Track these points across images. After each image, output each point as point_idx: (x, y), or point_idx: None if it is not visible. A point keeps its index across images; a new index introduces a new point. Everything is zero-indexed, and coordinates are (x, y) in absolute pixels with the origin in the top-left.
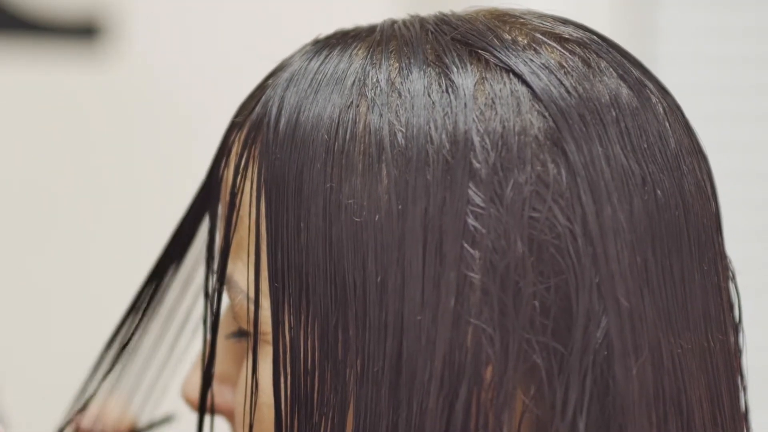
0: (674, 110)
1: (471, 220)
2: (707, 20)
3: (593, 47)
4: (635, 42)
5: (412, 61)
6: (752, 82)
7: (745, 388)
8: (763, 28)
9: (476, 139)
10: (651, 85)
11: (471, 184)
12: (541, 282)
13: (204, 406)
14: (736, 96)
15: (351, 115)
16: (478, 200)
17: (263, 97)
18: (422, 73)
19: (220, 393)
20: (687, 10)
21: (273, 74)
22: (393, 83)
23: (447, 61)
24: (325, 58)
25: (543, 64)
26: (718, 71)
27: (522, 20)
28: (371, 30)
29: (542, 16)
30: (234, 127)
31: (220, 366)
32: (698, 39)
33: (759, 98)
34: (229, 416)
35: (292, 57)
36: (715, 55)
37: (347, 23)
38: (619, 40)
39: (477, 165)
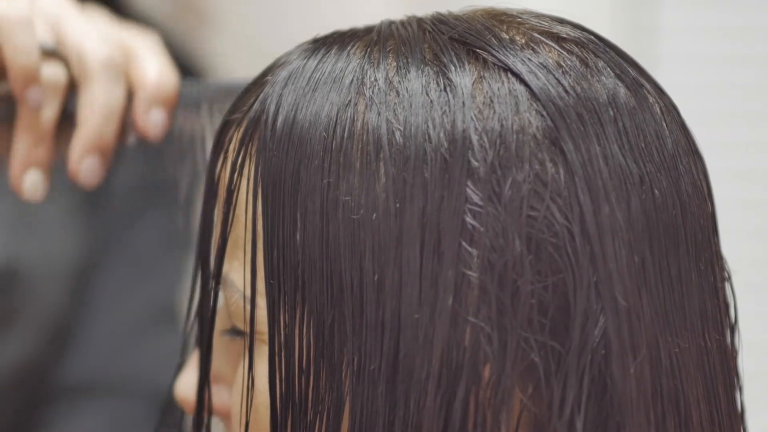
0: (671, 110)
1: (469, 219)
2: (707, 20)
3: (591, 47)
4: (635, 42)
5: (410, 60)
6: (752, 82)
7: (741, 388)
8: (763, 28)
9: (474, 138)
10: (648, 85)
11: (469, 183)
12: (539, 281)
13: (202, 405)
14: (736, 96)
15: (349, 114)
16: (476, 198)
17: (261, 95)
18: (420, 72)
19: (214, 392)
20: (687, 10)
21: (269, 71)
22: (391, 82)
23: (445, 60)
24: (323, 56)
25: (541, 64)
26: (718, 71)
27: (519, 20)
28: (368, 30)
29: (539, 16)
30: (230, 123)
31: (213, 365)
32: (698, 39)
33: (759, 98)
34: (224, 416)
35: (289, 54)
36: (715, 55)
37: (345, 23)
38: (619, 40)
39: (475, 163)
